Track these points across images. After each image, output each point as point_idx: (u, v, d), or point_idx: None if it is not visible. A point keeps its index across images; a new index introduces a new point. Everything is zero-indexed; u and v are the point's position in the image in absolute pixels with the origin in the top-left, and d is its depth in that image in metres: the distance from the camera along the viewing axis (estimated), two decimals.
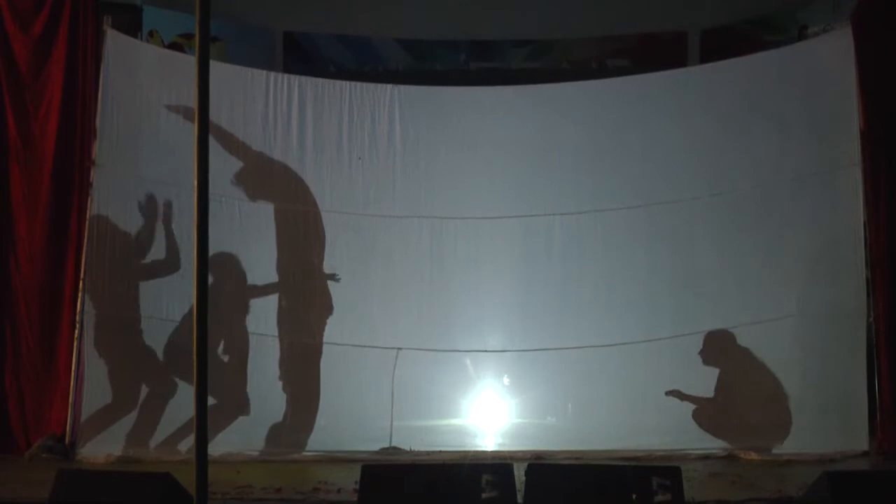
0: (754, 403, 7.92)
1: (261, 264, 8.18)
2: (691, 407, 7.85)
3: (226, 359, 7.94)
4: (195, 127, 3.79)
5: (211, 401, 7.36)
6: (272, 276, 8.20)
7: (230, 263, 7.96)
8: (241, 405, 7.90)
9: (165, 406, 7.63)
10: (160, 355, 7.72)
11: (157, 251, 7.89)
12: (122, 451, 7.38)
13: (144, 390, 7.71)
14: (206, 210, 3.81)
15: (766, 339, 7.90)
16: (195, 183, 3.77)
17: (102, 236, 7.73)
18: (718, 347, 8.00)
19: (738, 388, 7.95)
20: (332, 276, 8.24)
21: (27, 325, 7.88)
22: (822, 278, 7.88)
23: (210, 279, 7.62)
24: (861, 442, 7.45)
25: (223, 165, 7.88)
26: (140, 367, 7.72)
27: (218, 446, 7.21)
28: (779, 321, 7.86)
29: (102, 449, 7.36)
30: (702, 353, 7.99)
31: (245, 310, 8.08)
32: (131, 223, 7.87)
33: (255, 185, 8.20)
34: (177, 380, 7.58)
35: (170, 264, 7.85)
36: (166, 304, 7.83)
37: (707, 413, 7.85)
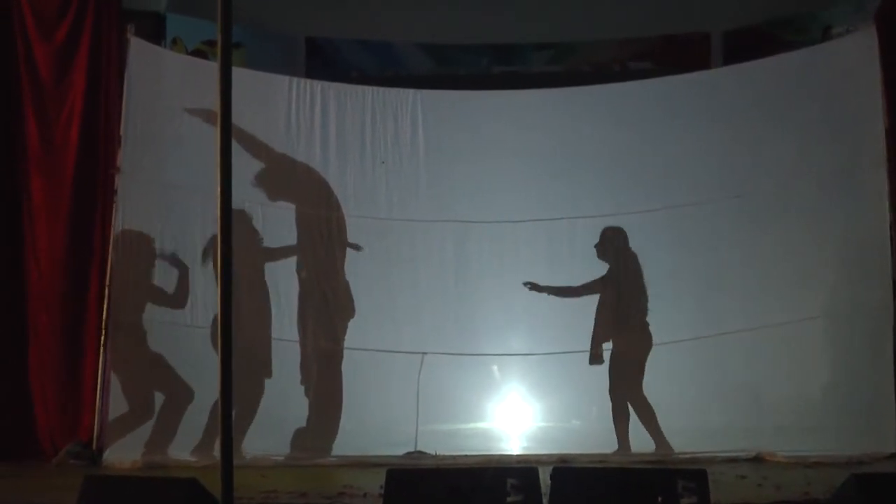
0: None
1: (282, 268, 8.21)
2: (717, 409, 7.83)
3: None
4: (217, 133, 3.81)
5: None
6: (293, 279, 8.22)
7: (241, 219, 7.92)
8: (265, 366, 7.94)
9: (183, 412, 7.67)
10: (169, 361, 7.75)
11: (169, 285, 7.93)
12: (143, 458, 7.41)
13: (159, 397, 7.74)
14: (228, 215, 3.82)
15: (792, 341, 7.87)
16: (218, 190, 3.78)
17: (127, 243, 7.77)
18: (613, 244, 8.17)
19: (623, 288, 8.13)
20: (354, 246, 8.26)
21: (49, 333, 7.92)
22: (848, 279, 7.85)
23: None
24: (888, 444, 7.40)
25: (246, 170, 7.91)
26: (151, 374, 7.74)
27: (243, 450, 7.28)
28: (804, 322, 7.84)
29: (128, 455, 7.40)
30: (597, 246, 8.19)
31: (262, 264, 8.09)
32: (155, 230, 7.91)
33: (277, 186, 8.22)
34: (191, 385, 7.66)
35: (176, 302, 7.89)
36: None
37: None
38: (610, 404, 8.05)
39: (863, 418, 7.56)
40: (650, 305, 8.15)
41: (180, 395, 7.67)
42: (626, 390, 8.00)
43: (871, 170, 7.76)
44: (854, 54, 7.99)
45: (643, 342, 8.06)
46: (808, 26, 10.15)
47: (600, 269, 8.34)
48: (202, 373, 7.39)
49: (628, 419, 7.94)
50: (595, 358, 8.11)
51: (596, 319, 8.15)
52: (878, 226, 7.72)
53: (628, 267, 8.21)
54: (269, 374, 7.97)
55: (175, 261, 7.89)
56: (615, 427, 7.93)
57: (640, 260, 8.24)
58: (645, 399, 7.95)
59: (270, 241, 8.18)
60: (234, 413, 7.33)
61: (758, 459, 7.53)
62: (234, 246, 7.45)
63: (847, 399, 7.70)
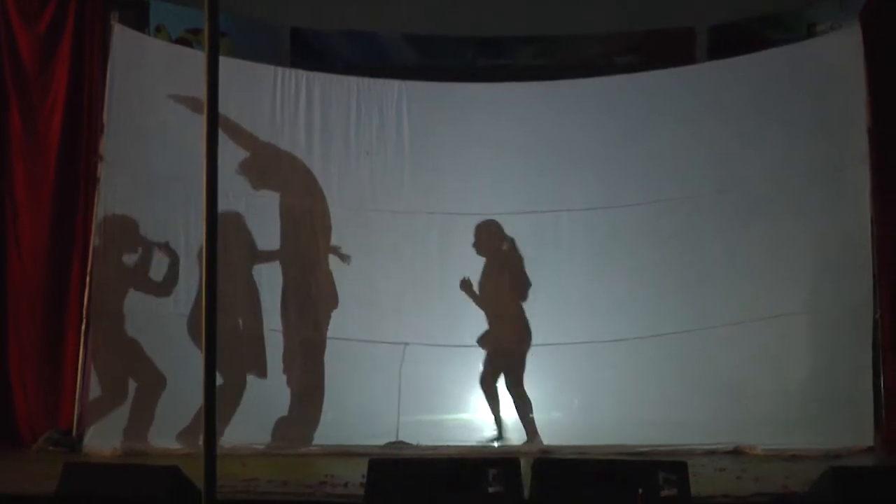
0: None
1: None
2: (698, 402, 7.87)
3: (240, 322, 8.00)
4: (203, 122, 3.79)
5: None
6: (276, 269, 8.23)
7: (234, 221, 7.95)
8: (258, 366, 7.96)
9: (156, 400, 7.67)
10: (149, 348, 7.75)
11: (156, 274, 7.93)
12: (122, 445, 7.41)
13: (133, 384, 7.74)
14: (214, 205, 3.80)
15: (773, 335, 7.92)
16: (204, 178, 3.77)
17: (109, 231, 7.76)
18: (488, 239, 8.31)
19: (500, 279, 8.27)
20: (341, 254, 8.26)
21: (29, 320, 7.89)
22: (830, 275, 7.89)
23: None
24: (866, 437, 7.47)
25: (230, 159, 7.90)
26: (125, 360, 7.74)
27: (224, 439, 7.27)
28: (786, 317, 7.89)
29: (108, 442, 7.40)
30: (474, 245, 8.30)
31: (252, 262, 8.12)
32: (138, 218, 7.89)
33: (261, 175, 8.22)
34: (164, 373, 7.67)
35: (162, 290, 7.89)
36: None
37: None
38: (592, 396, 8.11)
39: (841, 412, 7.62)
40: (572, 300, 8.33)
41: (153, 383, 7.67)
42: (507, 383, 8.19)
43: (855, 166, 7.81)
44: (838, 52, 8.03)
45: (523, 335, 8.19)
46: (792, 23, 10.16)
47: (585, 263, 8.38)
48: (184, 360, 7.38)
49: (499, 405, 8.17)
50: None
51: (484, 310, 8.28)
52: (861, 222, 7.77)
53: (506, 259, 8.31)
54: (263, 373, 7.98)
55: (168, 250, 7.88)
56: (493, 413, 8.15)
57: (631, 253, 8.29)
58: (524, 392, 8.13)
59: (254, 230, 8.17)
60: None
61: (737, 452, 7.58)
62: (227, 245, 7.52)
63: (826, 393, 7.74)
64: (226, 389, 7.62)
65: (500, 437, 8.11)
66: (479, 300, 8.30)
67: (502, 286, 8.34)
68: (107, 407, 7.60)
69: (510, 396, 8.21)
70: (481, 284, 8.33)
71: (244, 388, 7.88)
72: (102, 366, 7.65)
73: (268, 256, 8.22)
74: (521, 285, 8.31)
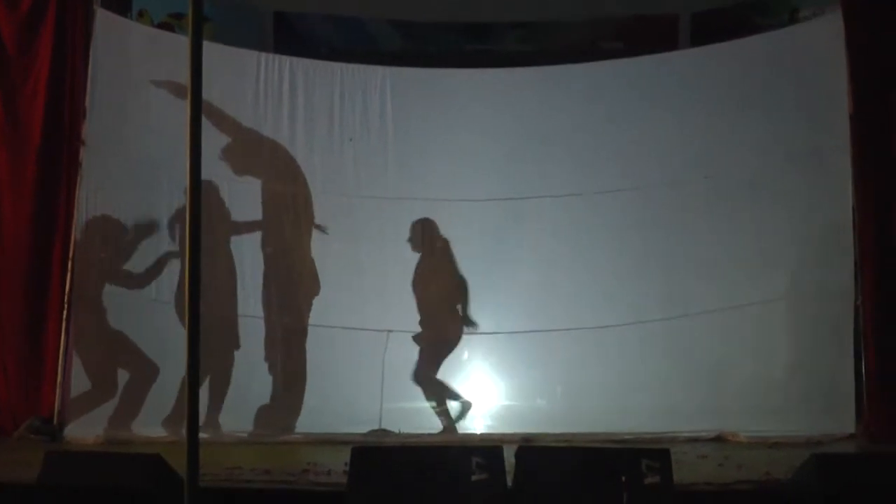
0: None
1: (248, 245, 8.19)
2: (681, 390, 7.90)
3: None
4: (187, 108, 3.77)
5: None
6: (258, 256, 8.20)
7: (210, 191, 7.84)
8: (232, 337, 7.93)
9: (148, 389, 7.64)
10: (134, 337, 7.70)
11: (137, 265, 7.89)
12: (105, 433, 7.39)
13: (123, 374, 7.70)
14: (198, 190, 3.79)
15: (755, 322, 7.95)
16: (187, 163, 3.75)
17: (91, 216, 7.72)
18: (419, 235, 8.31)
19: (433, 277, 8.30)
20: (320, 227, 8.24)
21: (10, 307, 7.84)
22: (811, 262, 7.92)
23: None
24: (848, 424, 7.49)
25: (213, 145, 7.86)
26: (114, 351, 7.71)
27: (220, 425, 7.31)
28: (768, 304, 7.92)
29: (91, 431, 7.37)
30: (409, 240, 8.30)
31: (228, 235, 8.07)
32: (120, 204, 7.87)
33: (243, 161, 8.18)
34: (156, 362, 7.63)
35: (139, 282, 7.85)
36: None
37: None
38: (575, 384, 8.13)
39: (823, 399, 7.65)
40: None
41: (146, 372, 7.64)
42: (423, 373, 8.18)
43: (837, 153, 7.81)
44: (821, 38, 8.04)
45: (450, 331, 8.25)
46: (775, 9, 10.16)
47: (569, 249, 8.39)
48: (167, 348, 7.38)
49: (446, 392, 8.16)
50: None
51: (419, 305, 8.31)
52: (842, 209, 7.79)
53: (441, 256, 8.33)
54: (236, 344, 7.95)
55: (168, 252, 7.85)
56: (440, 401, 8.14)
57: (614, 239, 8.30)
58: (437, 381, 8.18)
59: (236, 216, 8.14)
60: (210, 389, 7.41)
61: (719, 439, 7.61)
62: (206, 218, 7.47)
63: (808, 380, 7.77)
64: (217, 373, 7.62)
65: (462, 415, 8.12)
66: (414, 295, 8.30)
67: (436, 282, 8.33)
68: (95, 402, 7.57)
69: (420, 385, 8.17)
70: (416, 280, 8.32)
71: (232, 366, 7.86)
72: (86, 356, 7.61)
73: (247, 227, 8.17)
74: (456, 288, 8.29)
